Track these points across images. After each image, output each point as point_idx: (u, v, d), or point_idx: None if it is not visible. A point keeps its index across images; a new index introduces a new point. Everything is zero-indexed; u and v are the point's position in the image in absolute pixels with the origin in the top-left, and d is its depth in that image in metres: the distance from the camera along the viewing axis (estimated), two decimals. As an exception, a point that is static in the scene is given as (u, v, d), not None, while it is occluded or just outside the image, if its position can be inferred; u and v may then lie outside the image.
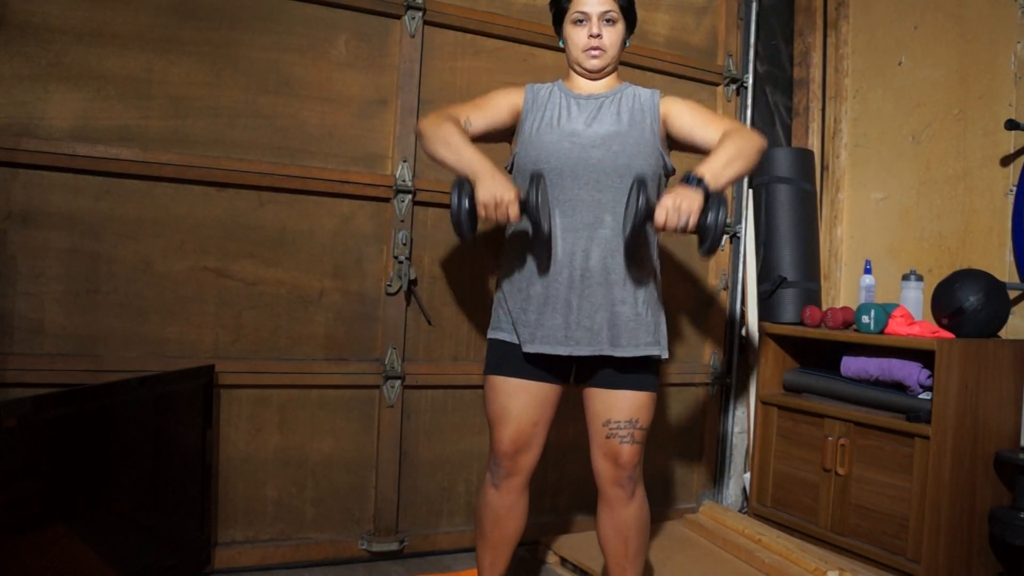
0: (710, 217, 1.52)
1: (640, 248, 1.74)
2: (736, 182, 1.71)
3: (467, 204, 1.56)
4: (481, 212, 1.58)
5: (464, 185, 1.59)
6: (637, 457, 1.77)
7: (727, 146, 1.67)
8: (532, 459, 1.81)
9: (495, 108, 1.81)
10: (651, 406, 1.80)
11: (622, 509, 1.79)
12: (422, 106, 2.37)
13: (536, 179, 1.60)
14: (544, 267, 1.73)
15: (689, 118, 1.78)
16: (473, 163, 1.63)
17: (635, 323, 1.72)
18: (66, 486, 1.66)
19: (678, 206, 1.53)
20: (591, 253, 1.70)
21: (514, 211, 1.58)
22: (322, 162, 2.27)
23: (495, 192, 1.57)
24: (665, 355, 1.79)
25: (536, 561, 2.42)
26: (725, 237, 1.50)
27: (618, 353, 1.72)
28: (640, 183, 1.58)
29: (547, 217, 1.65)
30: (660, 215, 1.54)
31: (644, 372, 1.76)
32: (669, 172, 1.82)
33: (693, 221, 1.54)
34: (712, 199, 1.54)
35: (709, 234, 1.53)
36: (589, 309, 1.71)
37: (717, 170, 1.61)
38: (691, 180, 1.58)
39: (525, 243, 1.76)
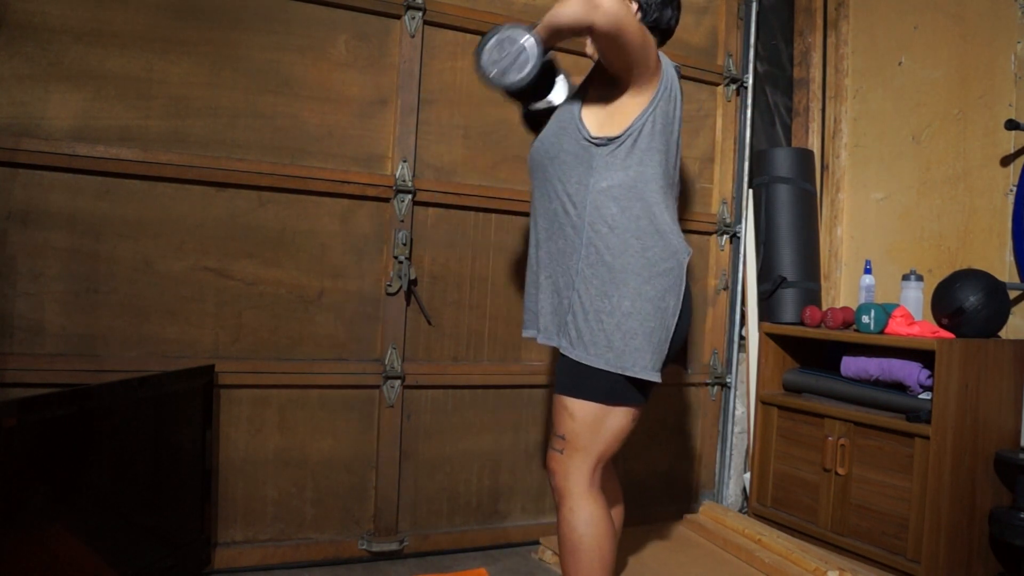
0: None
1: (580, 244, 1.67)
2: (566, 26, 1.54)
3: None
4: None
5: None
6: (558, 466, 1.66)
7: None
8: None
9: None
10: (568, 413, 1.64)
11: (559, 517, 1.70)
12: (422, 106, 2.37)
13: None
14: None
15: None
16: None
17: (554, 310, 1.72)
18: (66, 486, 1.66)
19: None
20: (538, 243, 1.78)
21: None
22: (322, 162, 2.27)
23: None
24: (586, 360, 1.62)
25: (536, 561, 2.42)
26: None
27: (539, 338, 1.76)
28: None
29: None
30: None
31: (569, 374, 1.63)
32: (589, 139, 1.66)
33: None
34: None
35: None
36: (535, 294, 1.79)
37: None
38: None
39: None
